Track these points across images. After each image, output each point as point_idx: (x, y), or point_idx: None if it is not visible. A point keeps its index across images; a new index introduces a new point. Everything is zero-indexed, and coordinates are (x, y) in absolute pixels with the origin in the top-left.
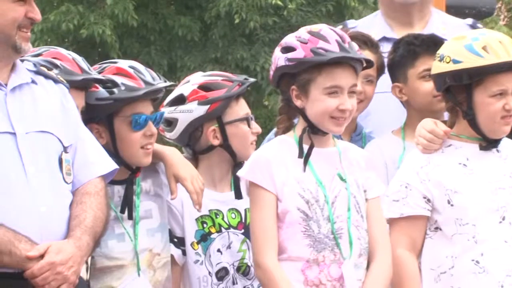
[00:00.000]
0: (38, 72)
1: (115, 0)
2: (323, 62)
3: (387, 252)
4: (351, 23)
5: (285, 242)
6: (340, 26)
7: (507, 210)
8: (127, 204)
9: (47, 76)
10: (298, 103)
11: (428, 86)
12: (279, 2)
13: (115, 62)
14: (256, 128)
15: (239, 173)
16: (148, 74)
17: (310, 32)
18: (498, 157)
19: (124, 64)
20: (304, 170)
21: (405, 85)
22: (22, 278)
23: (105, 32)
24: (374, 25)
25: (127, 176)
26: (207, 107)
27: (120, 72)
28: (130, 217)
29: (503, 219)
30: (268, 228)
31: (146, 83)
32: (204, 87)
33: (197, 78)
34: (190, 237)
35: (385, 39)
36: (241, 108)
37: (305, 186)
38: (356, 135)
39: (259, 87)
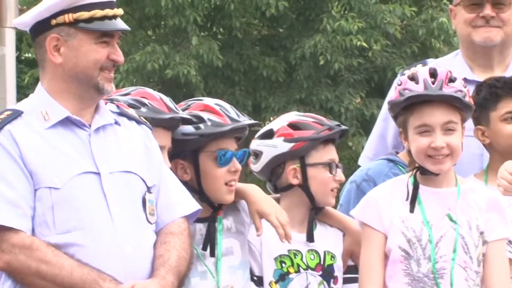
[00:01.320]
0: (121, 114)
1: (200, 40)
2: (400, 102)
3: None
4: (431, 62)
5: (387, 280)
6: (420, 65)
7: None
8: (210, 242)
9: (130, 117)
10: (405, 144)
11: (511, 128)
12: (364, 44)
13: (201, 100)
14: (340, 176)
15: (352, 212)
16: (233, 111)
17: (408, 74)
18: None
19: (210, 101)
20: (412, 210)
21: (487, 128)
22: None
23: (190, 72)
24: (454, 65)
25: (209, 214)
26: (291, 145)
27: (207, 108)
28: (212, 254)
29: None
30: (373, 267)
31: (232, 119)
32: (293, 126)
33: (289, 116)
34: (268, 276)
35: (465, 80)
36: (328, 153)
37: (409, 225)
38: None
39: None
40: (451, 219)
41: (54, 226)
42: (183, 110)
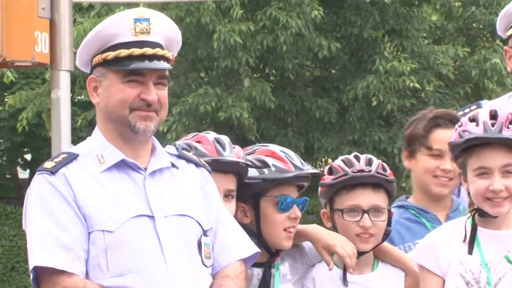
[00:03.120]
0: (180, 156)
1: (253, 82)
2: (460, 143)
3: None
4: (485, 103)
5: None
6: (474, 106)
7: None
8: (266, 285)
9: (188, 160)
10: (465, 186)
11: None
12: (417, 85)
13: (267, 146)
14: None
15: (410, 254)
16: (298, 159)
17: (469, 115)
18: None
19: (276, 148)
20: (470, 252)
21: None
22: None
23: (243, 115)
24: (509, 106)
25: (266, 259)
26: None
27: (272, 155)
28: None
29: None
30: None
31: (296, 167)
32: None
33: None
34: None
35: None
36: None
37: (468, 267)
38: (452, 212)
39: (396, 169)
40: (509, 261)
41: (108, 269)
42: (248, 154)
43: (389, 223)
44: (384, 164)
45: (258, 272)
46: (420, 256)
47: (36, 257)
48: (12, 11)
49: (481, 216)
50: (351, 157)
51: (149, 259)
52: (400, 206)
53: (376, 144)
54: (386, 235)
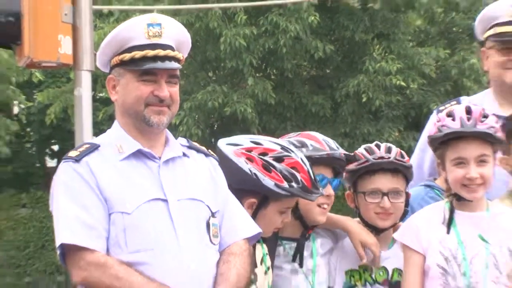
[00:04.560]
0: (190, 147)
1: (256, 81)
2: (440, 137)
3: None
4: (463, 99)
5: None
6: (454, 102)
7: None
8: (300, 255)
9: (198, 150)
10: (443, 174)
11: None
12: (402, 83)
13: (310, 132)
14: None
15: (394, 235)
16: (334, 144)
17: (446, 112)
18: None
19: (316, 133)
20: (448, 232)
21: (509, 157)
22: None
23: (247, 110)
24: (484, 102)
25: (299, 235)
26: None
27: (310, 137)
28: (300, 265)
29: None
30: (414, 284)
31: (331, 148)
32: None
33: None
34: (338, 287)
35: (494, 115)
36: (372, 183)
37: (446, 245)
38: None
39: None
40: (482, 239)
41: (126, 246)
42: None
43: (406, 204)
44: (402, 151)
45: (290, 246)
46: (403, 236)
47: (62, 236)
48: (38, 17)
49: (458, 200)
50: (372, 145)
51: (162, 238)
52: (427, 186)
53: (365, 136)
54: (404, 215)
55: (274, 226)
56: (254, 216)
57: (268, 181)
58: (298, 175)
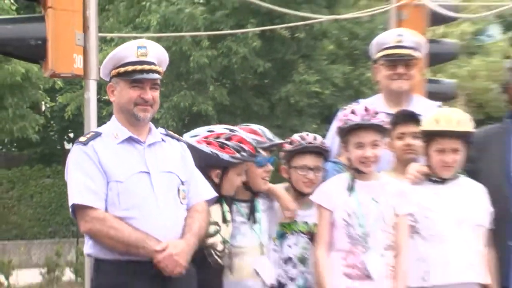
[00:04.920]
0: (167, 135)
1: (215, 88)
2: (347, 127)
3: (405, 250)
4: (361, 101)
5: (334, 240)
6: (355, 103)
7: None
8: (252, 213)
9: (173, 137)
10: (347, 154)
11: (399, 143)
12: (319, 90)
13: (248, 125)
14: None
15: (311, 197)
16: (270, 134)
17: (350, 109)
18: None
19: (255, 126)
20: (350, 195)
21: (393, 141)
22: (151, 263)
23: (208, 109)
24: (377, 103)
25: (249, 197)
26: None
27: (253, 132)
28: (254, 221)
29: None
30: (324, 233)
31: (269, 139)
32: None
33: None
34: (273, 234)
35: (383, 113)
36: (302, 161)
37: (348, 205)
38: None
39: None
40: (374, 200)
41: (119, 205)
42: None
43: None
44: (323, 139)
45: (243, 205)
46: (317, 198)
47: (73, 198)
48: (59, 41)
49: (357, 173)
50: (304, 134)
51: (146, 199)
52: (334, 162)
53: (292, 128)
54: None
55: (236, 185)
56: (220, 181)
57: (225, 156)
58: (245, 146)
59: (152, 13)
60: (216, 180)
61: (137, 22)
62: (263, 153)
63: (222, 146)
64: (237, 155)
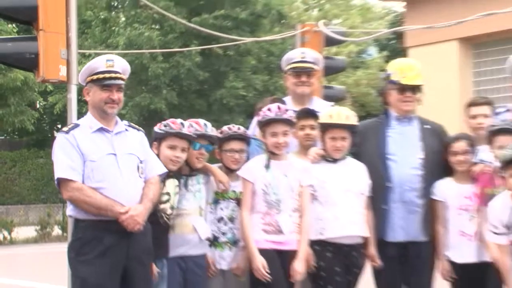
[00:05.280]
0: (129, 126)
1: (167, 91)
2: (264, 120)
3: (307, 212)
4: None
5: (254, 204)
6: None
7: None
8: (187, 184)
9: (133, 128)
10: (265, 140)
11: (302, 133)
12: (245, 93)
13: (197, 120)
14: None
15: (237, 172)
16: (210, 127)
17: (267, 107)
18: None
19: (201, 121)
20: (267, 171)
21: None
22: (117, 222)
23: (162, 107)
24: (287, 103)
25: (188, 172)
26: None
27: (197, 124)
28: (195, 190)
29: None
30: (247, 199)
31: (206, 130)
32: None
33: None
34: (209, 200)
35: (292, 110)
36: (230, 145)
37: (266, 178)
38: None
39: None
40: (285, 175)
41: (93, 179)
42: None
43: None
44: (246, 129)
45: (185, 178)
46: (243, 172)
47: (58, 173)
48: (48, 55)
49: (272, 154)
50: (231, 126)
51: (113, 174)
52: (255, 139)
53: (225, 122)
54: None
55: (169, 158)
56: (158, 153)
57: (156, 129)
58: (172, 125)
59: (120, 35)
60: (155, 151)
61: (108, 42)
62: (186, 130)
63: (161, 126)
64: (162, 128)
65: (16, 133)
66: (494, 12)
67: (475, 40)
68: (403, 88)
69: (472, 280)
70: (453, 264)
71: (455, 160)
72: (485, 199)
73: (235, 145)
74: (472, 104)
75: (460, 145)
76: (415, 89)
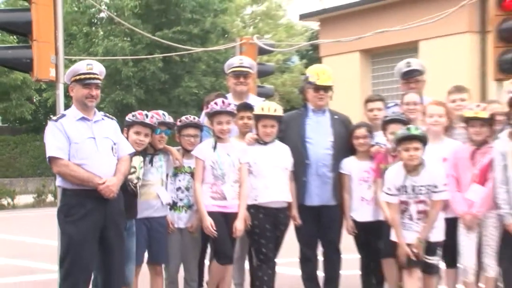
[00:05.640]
0: (105, 115)
1: (136, 89)
2: (212, 112)
3: (245, 183)
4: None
5: (204, 177)
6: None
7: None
8: (152, 160)
9: (108, 117)
10: (212, 128)
11: (241, 122)
12: (196, 91)
13: (158, 111)
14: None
15: (192, 152)
16: (167, 117)
17: (214, 101)
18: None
19: (160, 112)
20: (214, 151)
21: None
22: (96, 191)
23: (132, 101)
24: (230, 98)
25: (153, 152)
26: None
27: (157, 114)
28: (157, 166)
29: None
30: (199, 173)
31: (164, 119)
32: None
33: None
34: (170, 173)
35: (233, 104)
36: (187, 131)
37: (213, 156)
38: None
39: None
40: (228, 155)
41: (77, 157)
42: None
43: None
44: (198, 118)
45: (149, 156)
46: (196, 152)
47: (48, 152)
48: (41, 60)
49: (218, 138)
50: (188, 116)
51: (92, 154)
52: (207, 127)
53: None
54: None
55: (135, 141)
56: (127, 137)
57: (126, 119)
58: (138, 116)
59: (99, 46)
60: (126, 135)
61: (90, 51)
62: (148, 121)
63: (131, 116)
64: (130, 117)
65: (17, 121)
66: (386, 30)
67: (373, 52)
68: (318, 88)
69: (369, 233)
70: (356, 222)
71: (357, 142)
72: (379, 172)
73: (191, 131)
74: (368, 100)
75: (361, 131)
76: (327, 88)
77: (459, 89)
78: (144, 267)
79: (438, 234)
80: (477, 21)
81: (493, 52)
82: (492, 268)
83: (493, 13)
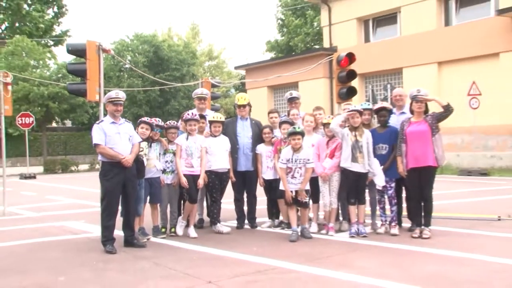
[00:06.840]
0: (126, 120)
1: (144, 106)
2: (185, 119)
3: (204, 158)
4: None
5: (182, 154)
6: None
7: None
8: (151, 145)
9: (127, 121)
10: (186, 128)
11: (202, 125)
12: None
13: (156, 117)
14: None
15: (175, 141)
16: (160, 121)
17: (187, 113)
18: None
19: (157, 119)
20: (186, 140)
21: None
22: (120, 162)
23: (142, 113)
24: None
25: (152, 140)
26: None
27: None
28: (155, 148)
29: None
30: (179, 153)
31: (160, 122)
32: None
33: None
34: (161, 152)
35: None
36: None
37: (186, 144)
38: None
39: None
40: (194, 142)
41: (109, 144)
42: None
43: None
44: (178, 123)
45: (148, 143)
46: (177, 141)
47: (94, 140)
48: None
49: (189, 134)
50: (171, 121)
51: (118, 142)
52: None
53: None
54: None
55: (141, 134)
56: (137, 131)
57: (138, 121)
58: (144, 119)
59: (124, 82)
60: (137, 131)
61: (119, 85)
62: (158, 129)
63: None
64: (140, 120)
65: (80, 124)
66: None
67: (275, 87)
68: (239, 106)
69: (271, 186)
70: (264, 180)
71: (265, 136)
72: (277, 152)
73: (173, 130)
74: (270, 112)
75: (266, 130)
76: (245, 106)
77: (318, 108)
78: (147, 205)
79: (308, 185)
80: (328, 71)
81: (335, 88)
82: (335, 202)
83: (335, 67)
